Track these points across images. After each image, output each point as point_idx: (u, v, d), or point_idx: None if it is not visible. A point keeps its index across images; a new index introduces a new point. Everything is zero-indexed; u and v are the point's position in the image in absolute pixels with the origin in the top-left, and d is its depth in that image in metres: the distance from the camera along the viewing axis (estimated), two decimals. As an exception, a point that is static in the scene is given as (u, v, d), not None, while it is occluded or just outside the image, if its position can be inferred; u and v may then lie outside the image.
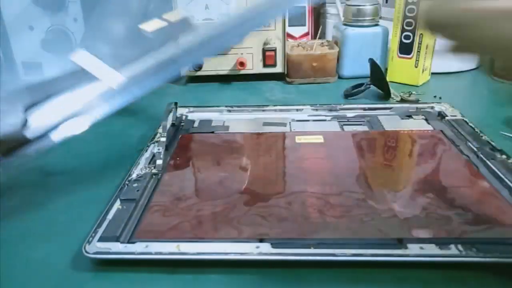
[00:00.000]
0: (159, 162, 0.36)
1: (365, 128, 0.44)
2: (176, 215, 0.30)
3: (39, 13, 0.52)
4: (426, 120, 0.45)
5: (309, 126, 0.45)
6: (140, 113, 0.50)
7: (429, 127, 0.43)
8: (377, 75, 0.52)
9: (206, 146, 0.41)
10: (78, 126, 0.26)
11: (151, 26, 0.29)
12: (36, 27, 0.53)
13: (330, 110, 0.47)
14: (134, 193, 0.32)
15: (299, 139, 0.41)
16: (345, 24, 0.62)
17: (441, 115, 0.45)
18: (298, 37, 0.73)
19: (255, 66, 0.61)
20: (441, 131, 0.42)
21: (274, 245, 0.26)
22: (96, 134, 0.44)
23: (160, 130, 0.40)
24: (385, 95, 0.52)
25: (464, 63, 0.63)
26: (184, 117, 0.47)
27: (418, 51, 0.56)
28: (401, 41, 0.57)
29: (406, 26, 0.56)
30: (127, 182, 0.33)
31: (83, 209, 0.32)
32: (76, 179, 0.37)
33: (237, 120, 0.47)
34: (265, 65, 0.61)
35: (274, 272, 0.25)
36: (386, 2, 0.68)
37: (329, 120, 0.46)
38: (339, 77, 0.61)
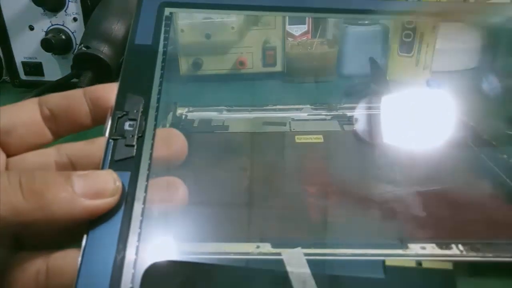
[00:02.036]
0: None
1: (365, 127, 0.44)
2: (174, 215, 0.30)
3: (39, 13, 0.52)
4: (426, 119, 0.45)
5: (309, 126, 0.45)
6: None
7: (430, 126, 0.43)
8: (378, 73, 0.52)
9: (206, 146, 0.41)
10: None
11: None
12: (36, 27, 0.53)
13: (330, 110, 0.47)
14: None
15: (299, 139, 0.41)
16: (345, 23, 0.62)
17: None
18: (298, 36, 0.73)
19: (255, 65, 0.60)
20: (442, 131, 0.42)
21: (274, 245, 0.26)
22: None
23: (159, 130, 0.40)
24: (385, 94, 0.52)
25: (466, 61, 0.63)
26: (183, 116, 0.47)
27: (419, 50, 0.56)
28: (401, 39, 0.57)
29: (406, 24, 0.56)
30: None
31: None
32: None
33: (236, 119, 0.47)
34: (265, 64, 0.60)
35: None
36: None
37: (329, 120, 0.46)
38: (339, 76, 0.61)
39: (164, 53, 0.21)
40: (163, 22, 0.21)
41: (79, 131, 0.21)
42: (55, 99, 0.21)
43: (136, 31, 0.21)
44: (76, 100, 0.20)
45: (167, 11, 0.22)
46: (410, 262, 0.17)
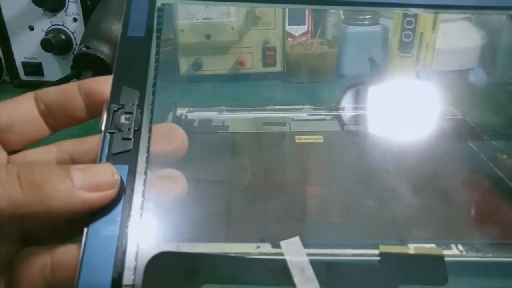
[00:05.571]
0: (158, 162, 0.36)
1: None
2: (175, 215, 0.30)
3: (39, 13, 0.52)
4: (426, 119, 0.45)
5: (309, 126, 0.45)
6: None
7: (430, 126, 0.43)
8: (377, 74, 0.52)
9: (206, 146, 0.41)
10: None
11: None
12: (36, 27, 0.53)
13: (330, 110, 0.47)
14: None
15: (299, 139, 0.41)
16: (345, 23, 0.62)
17: (441, 115, 0.45)
18: (298, 36, 0.73)
19: (254, 65, 0.60)
20: (442, 130, 0.42)
21: (274, 245, 0.26)
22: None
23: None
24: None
25: (466, 61, 0.63)
26: (183, 116, 0.47)
27: (419, 50, 0.56)
28: (401, 39, 0.57)
29: (406, 24, 0.56)
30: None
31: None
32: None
33: (236, 119, 0.47)
34: (264, 65, 0.60)
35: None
36: None
37: (329, 120, 0.46)
38: (339, 76, 0.61)
39: (158, 45, 0.21)
40: (155, 14, 0.21)
41: (75, 125, 0.22)
42: (50, 94, 0.21)
43: (128, 23, 0.21)
44: (71, 95, 0.21)
45: (159, 2, 0.22)
46: (404, 249, 0.18)
